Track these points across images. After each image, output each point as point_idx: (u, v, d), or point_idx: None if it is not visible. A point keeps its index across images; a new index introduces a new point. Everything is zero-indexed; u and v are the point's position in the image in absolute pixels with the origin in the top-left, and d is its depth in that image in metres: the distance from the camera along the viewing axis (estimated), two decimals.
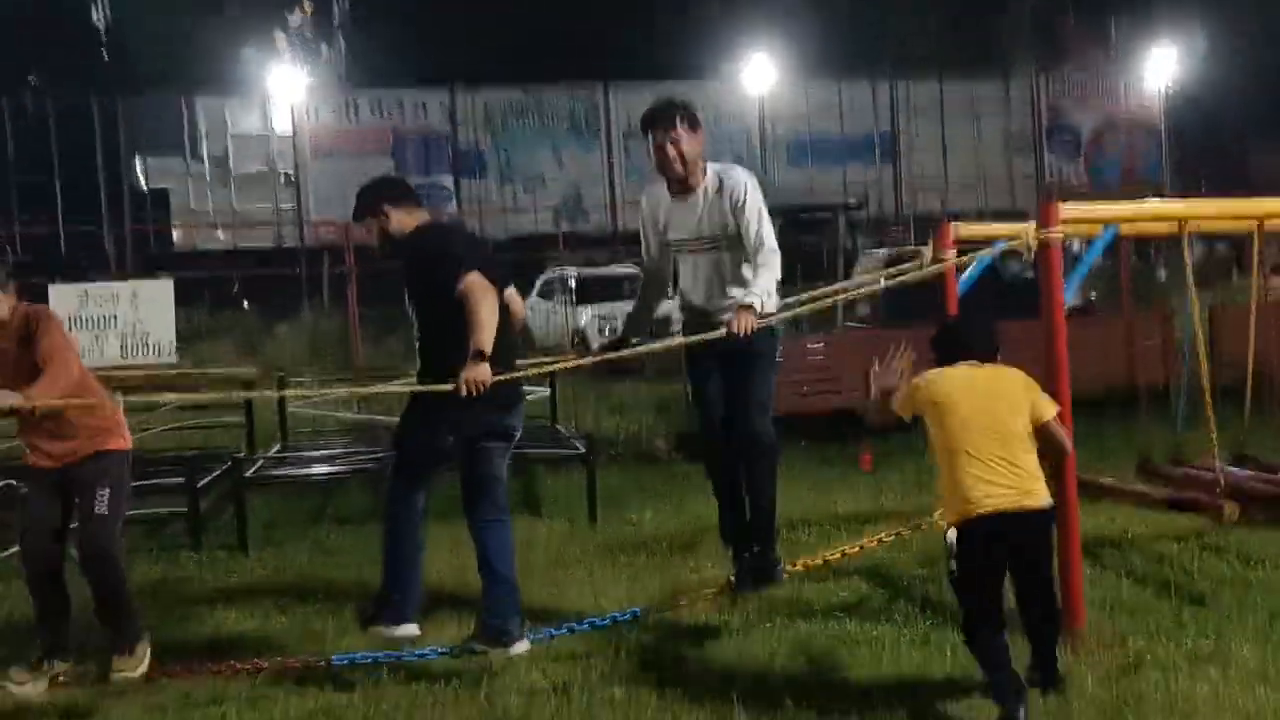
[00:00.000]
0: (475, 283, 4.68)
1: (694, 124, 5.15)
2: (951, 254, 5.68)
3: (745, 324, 4.85)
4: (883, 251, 20.52)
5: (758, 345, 5.06)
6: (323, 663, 4.94)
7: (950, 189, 26.09)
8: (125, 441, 4.91)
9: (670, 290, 5.68)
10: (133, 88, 23.94)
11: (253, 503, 7.91)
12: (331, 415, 10.29)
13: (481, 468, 4.97)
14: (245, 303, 22.44)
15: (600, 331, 16.83)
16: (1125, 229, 4.93)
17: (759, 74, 25.25)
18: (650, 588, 6.08)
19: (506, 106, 24.68)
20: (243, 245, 22.91)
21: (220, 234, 22.82)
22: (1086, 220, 4.81)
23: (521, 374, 5.13)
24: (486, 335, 4.61)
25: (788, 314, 5.54)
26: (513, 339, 5.11)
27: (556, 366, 5.49)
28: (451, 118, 24.37)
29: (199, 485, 7.63)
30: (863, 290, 5.37)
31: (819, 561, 5.73)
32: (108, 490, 4.72)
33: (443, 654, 4.98)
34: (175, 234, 22.99)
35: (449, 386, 4.59)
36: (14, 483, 7.35)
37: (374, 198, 5.05)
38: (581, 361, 5.66)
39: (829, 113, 26.06)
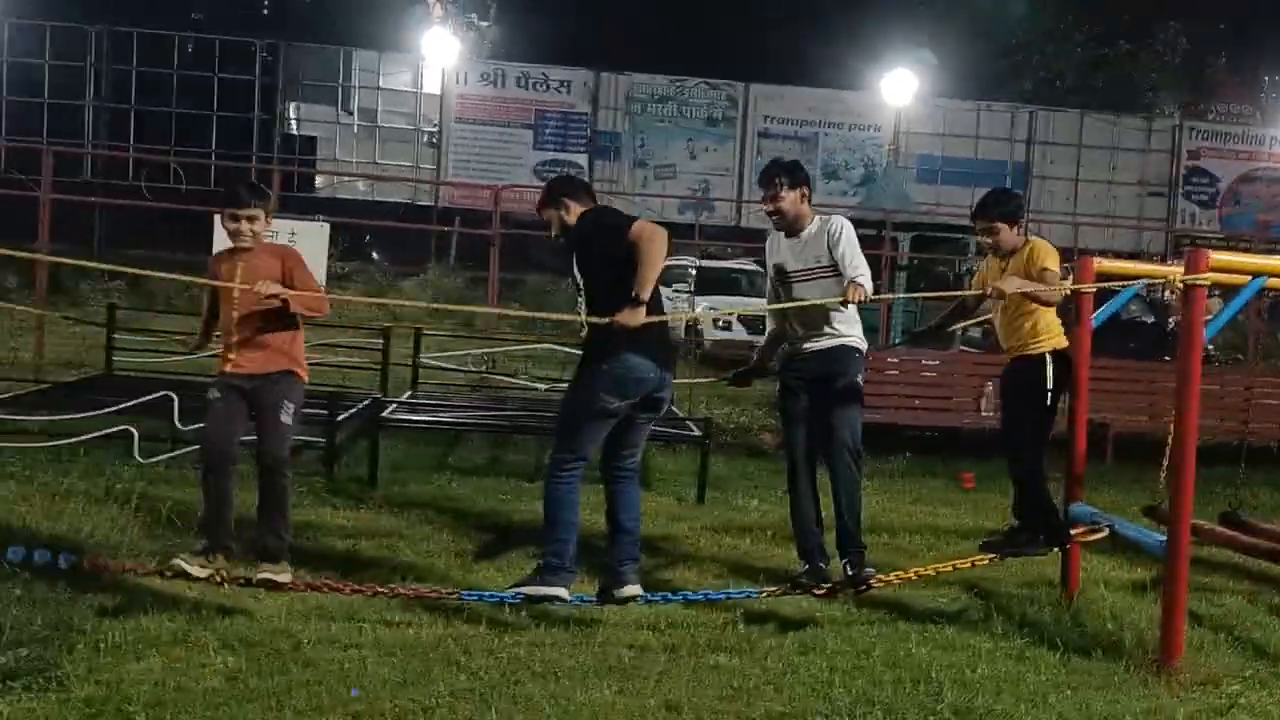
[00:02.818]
0: (646, 224, 5.10)
1: (793, 183, 5.77)
2: (1092, 287, 5.81)
3: (857, 293, 5.37)
4: None
5: (845, 367, 5.67)
6: (454, 595, 5.29)
7: (1078, 224, 25.75)
8: (305, 374, 5.37)
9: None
10: (293, 33, 24.94)
11: (383, 443, 8.36)
12: (459, 370, 10.76)
13: (627, 434, 5.35)
14: (375, 254, 23.30)
15: (715, 323, 17.11)
16: (1273, 283, 5.02)
17: (899, 87, 25.19)
18: (754, 572, 6.36)
19: (648, 94, 25.04)
20: (379, 198, 23.68)
21: (360, 185, 23.63)
22: (1234, 270, 4.93)
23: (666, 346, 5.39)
24: (649, 281, 4.99)
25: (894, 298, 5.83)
26: (665, 327, 5.43)
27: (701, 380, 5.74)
28: (594, 98, 24.80)
29: (338, 419, 8.10)
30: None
31: (929, 572, 5.92)
32: (291, 405, 5.18)
33: (564, 601, 5.32)
34: (318, 180, 23.89)
35: (604, 320, 4.96)
36: (171, 394, 7.94)
37: (559, 191, 5.51)
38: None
39: (964, 134, 25.84)
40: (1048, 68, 29.99)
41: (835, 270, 5.67)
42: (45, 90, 25.17)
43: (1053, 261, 5.62)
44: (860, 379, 5.80)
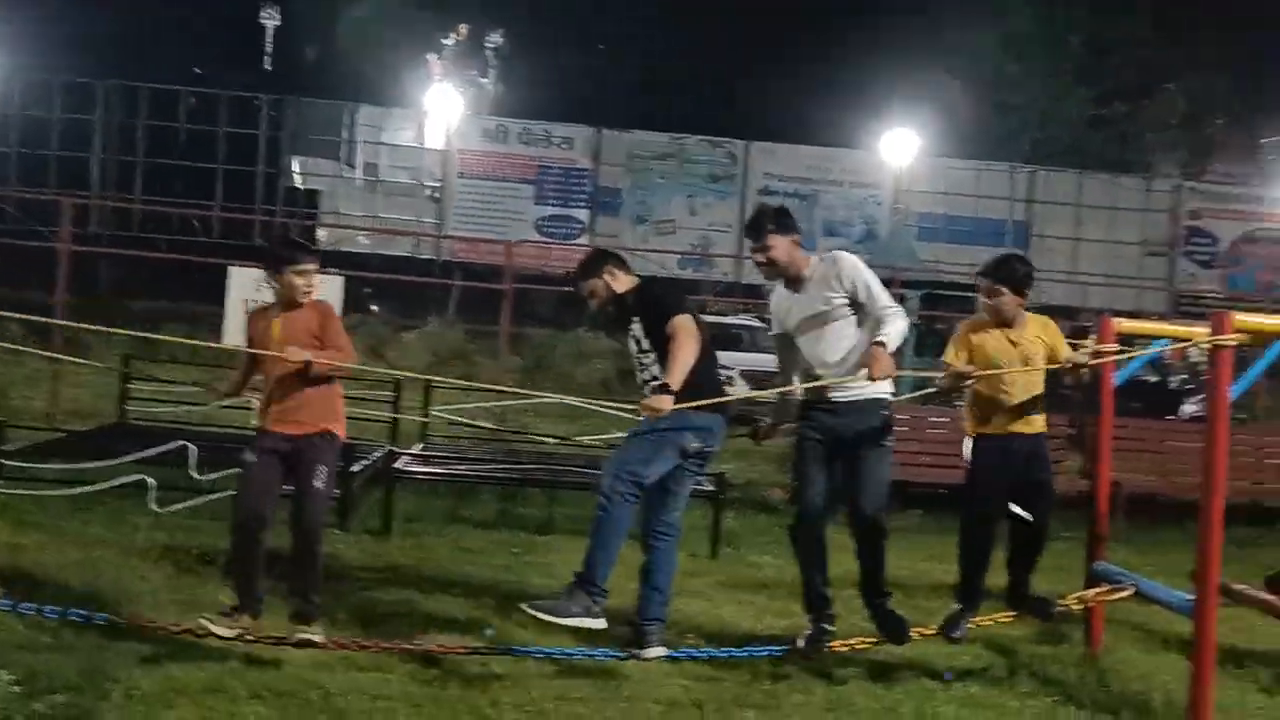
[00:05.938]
0: (683, 325, 5.27)
1: (784, 229, 5.53)
2: (1113, 347, 5.87)
3: (882, 364, 5.14)
4: None
5: (871, 423, 5.44)
6: (480, 650, 5.29)
7: (1079, 283, 25.95)
8: (343, 430, 5.38)
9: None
10: (297, 88, 25.30)
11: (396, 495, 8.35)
12: (470, 424, 10.76)
13: (676, 483, 5.43)
14: (374, 307, 23.39)
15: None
16: None
17: (899, 146, 25.54)
18: (774, 627, 6.35)
19: (649, 151, 25.42)
20: (381, 252, 23.85)
21: (362, 238, 23.84)
22: (1260, 330, 5.00)
23: (711, 402, 5.35)
24: (677, 375, 5.15)
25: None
26: (716, 371, 5.57)
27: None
28: (595, 155, 25.13)
29: (352, 471, 8.10)
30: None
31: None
32: (326, 470, 5.16)
33: (589, 656, 5.32)
34: (320, 233, 24.06)
35: (633, 405, 5.21)
36: (188, 444, 7.93)
37: (604, 261, 5.67)
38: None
39: (964, 193, 26.20)
40: (1045, 128, 30.40)
41: (848, 309, 5.43)
42: (53, 142, 25.43)
43: None
44: (890, 439, 5.57)
